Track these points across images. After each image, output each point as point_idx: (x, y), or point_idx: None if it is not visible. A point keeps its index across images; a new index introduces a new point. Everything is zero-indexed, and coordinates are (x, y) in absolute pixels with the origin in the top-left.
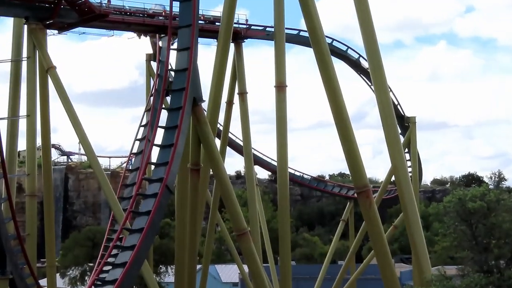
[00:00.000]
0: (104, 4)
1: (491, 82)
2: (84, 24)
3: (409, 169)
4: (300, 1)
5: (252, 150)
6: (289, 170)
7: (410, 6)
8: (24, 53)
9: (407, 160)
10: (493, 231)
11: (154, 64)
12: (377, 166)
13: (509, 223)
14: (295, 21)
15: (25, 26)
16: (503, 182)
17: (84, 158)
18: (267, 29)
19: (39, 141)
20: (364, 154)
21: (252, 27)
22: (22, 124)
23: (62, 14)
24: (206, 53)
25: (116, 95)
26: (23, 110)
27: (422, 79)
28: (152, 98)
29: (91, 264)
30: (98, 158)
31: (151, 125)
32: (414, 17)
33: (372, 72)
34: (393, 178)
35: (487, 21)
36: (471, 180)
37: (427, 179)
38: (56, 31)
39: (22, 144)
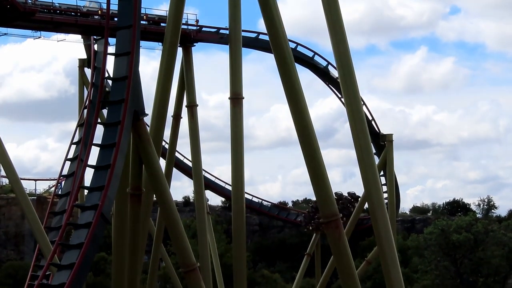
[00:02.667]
0: (30, 1)
1: (479, 95)
2: (6, 24)
3: (385, 195)
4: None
5: (203, 172)
6: (246, 195)
7: (385, 7)
8: None
9: (382, 185)
10: (480, 268)
11: (88, 71)
12: (348, 191)
13: (499, 258)
14: (253, 22)
15: None
16: (492, 211)
17: (5, 181)
18: (221, 31)
19: None
20: (333, 177)
21: (204, 29)
22: None
23: None
24: (149, 58)
25: (43, 107)
26: None
27: (399, 91)
28: (85, 111)
29: None
30: (22, 181)
31: (84, 143)
32: (391, 19)
33: (342, 82)
34: (366, 206)
35: (474, 24)
36: (456, 208)
37: (405, 206)
38: None
39: None
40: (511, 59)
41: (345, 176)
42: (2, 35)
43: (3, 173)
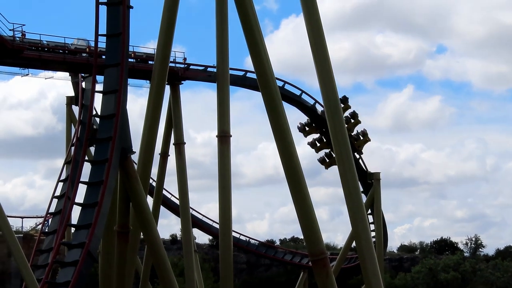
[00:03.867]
0: (18, 38)
1: (465, 133)
2: None
3: (373, 234)
4: (246, 38)
5: (190, 210)
6: (234, 233)
7: (372, 45)
8: None
9: (370, 223)
10: None
11: (76, 109)
12: (335, 229)
13: None
14: (240, 60)
15: None
16: (480, 250)
17: None
18: (209, 69)
19: None
20: (320, 215)
21: (191, 66)
22: None
23: None
24: (136, 96)
25: (30, 144)
26: None
27: (386, 129)
28: (73, 148)
29: None
30: (9, 219)
31: (71, 180)
32: (377, 57)
33: (329, 120)
34: (353, 244)
35: (460, 62)
36: (444, 246)
37: (393, 245)
38: None
39: None
40: (497, 97)
41: (332, 214)
42: None
43: None
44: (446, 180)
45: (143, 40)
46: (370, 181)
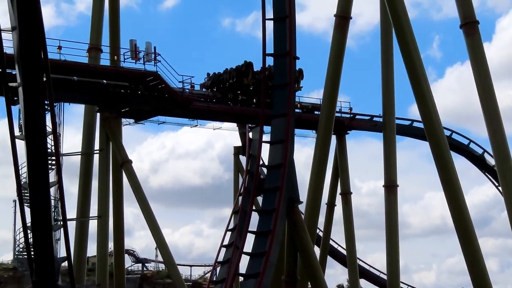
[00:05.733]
0: (187, 90)
1: None
2: (164, 113)
3: None
4: (413, 87)
5: (357, 260)
6: (402, 285)
7: None
8: (96, 145)
9: None
10: None
11: (243, 159)
12: (505, 281)
13: None
14: (404, 108)
15: (98, 114)
16: None
17: (162, 266)
18: (374, 118)
19: (110, 246)
20: (490, 266)
21: (357, 116)
22: (93, 226)
23: (139, 101)
24: (301, 146)
25: (198, 193)
26: (93, 209)
27: None
28: (240, 198)
29: None
30: (178, 267)
31: (239, 230)
32: None
33: (499, 171)
34: None
35: None
36: None
37: None
38: (132, 120)
39: (91, 249)
40: None
41: (502, 266)
42: (161, 123)
43: (160, 258)
44: None
45: (309, 90)
46: None
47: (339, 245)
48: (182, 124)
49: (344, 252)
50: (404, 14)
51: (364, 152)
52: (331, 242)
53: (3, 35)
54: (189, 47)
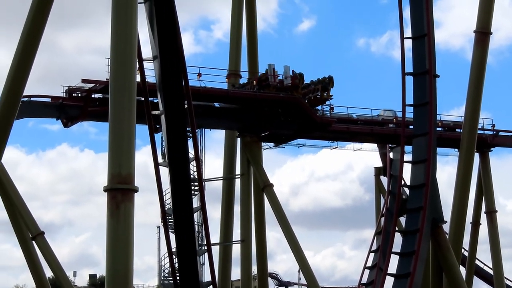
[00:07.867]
0: (326, 112)
1: None
2: (304, 136)
3: None
4: None
5: (505, 280)
6: None
7: None
8: (237, 170)
9: None
10: None
11: (384, 180)
12: None
13: None
14: None
15: (238, 139)
16: None
17: None
18: None
19: (254, 269)
20: None
21: (500, 133)
22: (236, 250)
23: (279, 125)
24: (442, 164)
25: (339, 215)
26: (236, 234)
27: None
28: (383, 219)
29: None
30: None
31: (382, 251)
32: None
33: None
34: None
35: None
36: None
37: None
38: (272, 144)
39: (235, 273)
40: None
41: None
42: (301, 146)
43: (303, 280)
44: None
45: (446, 107)
46: None
47: (485, 264)
48: (321, 146)
49: (491, 271)
50: None
51: (507, 169)
52: (476, 261)
53: (145, 64)
54: (324, 68)
